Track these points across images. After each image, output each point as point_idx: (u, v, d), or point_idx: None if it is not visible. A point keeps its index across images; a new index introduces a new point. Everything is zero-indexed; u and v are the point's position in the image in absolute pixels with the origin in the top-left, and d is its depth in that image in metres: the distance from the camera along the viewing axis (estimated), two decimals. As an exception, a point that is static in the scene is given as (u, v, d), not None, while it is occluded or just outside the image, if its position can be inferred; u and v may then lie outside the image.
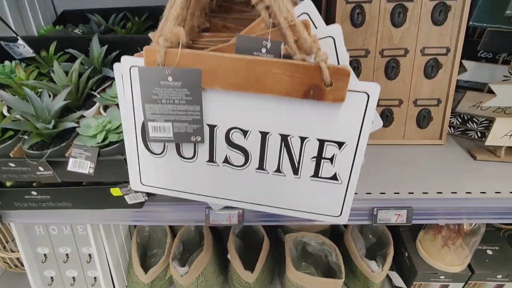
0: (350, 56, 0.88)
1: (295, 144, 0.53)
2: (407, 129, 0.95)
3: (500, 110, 0.89)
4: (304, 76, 0.46)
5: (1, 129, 0.67)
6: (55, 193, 0.72)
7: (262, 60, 0.46)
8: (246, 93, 0.49)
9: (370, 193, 0.78)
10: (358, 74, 0.90)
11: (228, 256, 1.07)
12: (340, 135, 0.51)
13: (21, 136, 0.68)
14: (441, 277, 1.01)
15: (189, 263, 1.02)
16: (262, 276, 1.07)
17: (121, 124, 0.67)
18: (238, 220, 0.76)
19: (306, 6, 0.50)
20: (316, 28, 0.51)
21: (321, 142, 0.52)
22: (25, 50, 0.81)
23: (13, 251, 1.15)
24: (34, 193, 0.71)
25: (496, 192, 0.77)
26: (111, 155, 0.64)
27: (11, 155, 0.65)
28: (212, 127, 0.53)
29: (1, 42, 0.81)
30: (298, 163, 0.54)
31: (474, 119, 0.95)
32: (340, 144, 0.52)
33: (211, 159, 0.56)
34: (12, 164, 0.63)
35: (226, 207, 0.73)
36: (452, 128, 0.99)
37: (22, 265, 1.19)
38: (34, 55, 0.83)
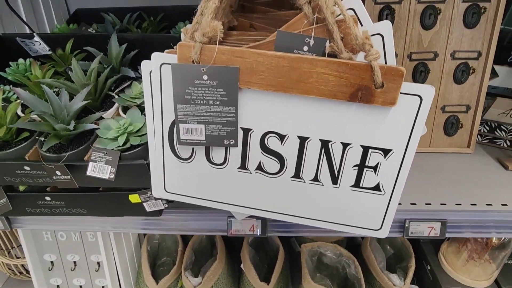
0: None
1: (336, 151, 0.49)
2: (433, 136, 0.91)
3: (532, 118, 0.86)
4: (352, 77, 0.42)
5: (15, 129, 0.63)
6: (70, 199, 0.67)
7: (308, 58, 0.43)
8: (286, 94, 0.46)
9: (400, 204, 0.74)
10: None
11: (242, 266, 1.02)
12: (387, 141, 0.47)
13: (37, 138, 0.64)
14: (466, 292, 0.96)
15: (202, 274, 0.98)
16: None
17: (142, 126, 0.63)
18: (261, 230, 0.72)
19: (353, 1, 0.46)
20: (361, 25, 0.47)
21: (365, 149, 0.48)
22: (41, 47, 0.78)
23: (18, 258, 1.11)
24: (48, 198, 0.67)
25: (534, 205, 0.73)
26: (133, 160, 0.60)
27: (26, 157, 0.61)
28: (246, 131, 0.49)
29: (18, 38, 0.79)
30: (338, 172, 0.50)
31: (503, 127, 0.91)
32: (386, 152, 0.48)
33: (243, 166, 0.52)
34: (27, 168, 0.59)
35: (248, 216, 0.69)
36: (479, 136, 0.95)
37: (27, 272, 1.15)
38: (50, 52, 0.79)
